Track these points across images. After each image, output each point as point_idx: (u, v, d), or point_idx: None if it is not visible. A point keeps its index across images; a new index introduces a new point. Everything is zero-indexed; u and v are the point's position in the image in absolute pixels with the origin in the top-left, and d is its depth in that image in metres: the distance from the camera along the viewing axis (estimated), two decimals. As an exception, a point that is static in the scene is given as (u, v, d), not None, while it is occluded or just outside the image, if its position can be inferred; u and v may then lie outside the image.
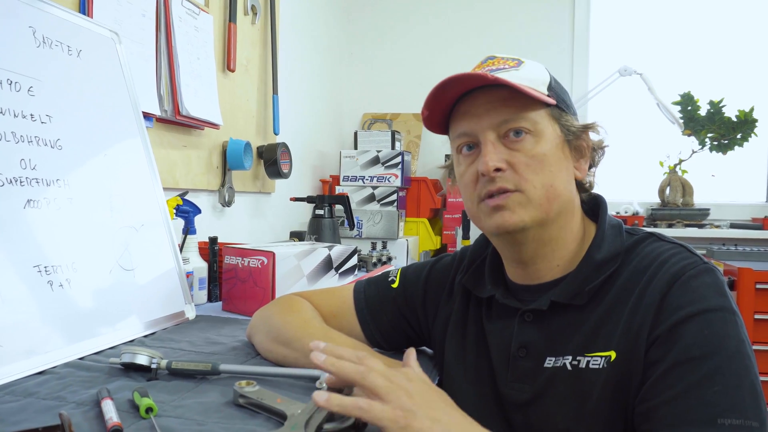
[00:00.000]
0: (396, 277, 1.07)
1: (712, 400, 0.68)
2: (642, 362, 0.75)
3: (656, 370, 0.73)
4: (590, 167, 0.91)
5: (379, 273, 1.12)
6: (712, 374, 0.69)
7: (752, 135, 2.85)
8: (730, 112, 2.85)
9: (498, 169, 0.82)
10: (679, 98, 2.93)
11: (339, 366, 0.68)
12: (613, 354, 0.77)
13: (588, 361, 0.79)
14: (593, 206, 0.92)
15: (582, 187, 0.90)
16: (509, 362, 0.88)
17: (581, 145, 0.88)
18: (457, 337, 0.97)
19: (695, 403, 0.68)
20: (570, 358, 0.81)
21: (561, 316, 0.84)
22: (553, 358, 0.83)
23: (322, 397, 0.63)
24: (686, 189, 2.92)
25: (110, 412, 0.71)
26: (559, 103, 0.86)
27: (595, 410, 0.77)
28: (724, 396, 0.68)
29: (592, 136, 0.90)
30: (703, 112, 2.90)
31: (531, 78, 0.85)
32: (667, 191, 2.95)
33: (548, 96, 0.84)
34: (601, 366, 0.78)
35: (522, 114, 0.83)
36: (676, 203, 2.92)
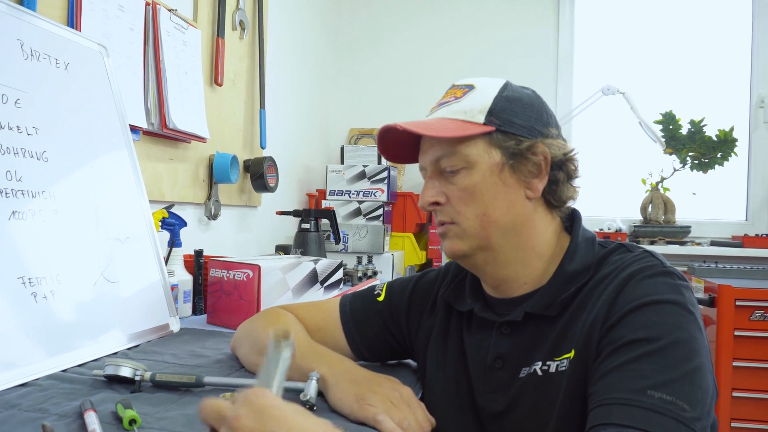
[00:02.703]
0: (382, 291, 1.08)
1: (646, 373, 0.69)
2: (595, 352, 0.76)
3: (603, 354, 0.75)
4: (555, 182, 0.88)
5: (365, 287, 1.13)
6: (652, 353, 0.70)
7: (732, 154, 2.90)
8: (711, 131, 2.91)
9: (436, 203, 0.89)
10: (660, 117, 2.98)
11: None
12: (572, 353, 0.80)
13: (556, 365, 0.82)
14: (570, 220, 0.93)
15: (550, 203, 0.90)
16: (486, 373, 0.90)
17: (535, 163, 0.86)
18: (439, 350, 0.99)
19: (629, 375, 0.69)
20: (540, 363, 0.83)
21: (535, 326, 0.86)
22: (527, 368, 0.85)
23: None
24: (668, 206, 2.96)
25: (93, 423, 0.71)
26: (502, 126, 0.86)
27: (563, 412, 0.79)
28: (658, 373, 0.68)
29: (556, 148, 0.87)
30: (684, 131, 2.95)
31: (468, 108, 0.87)
32: (650, 208, 2.99)
33: (485, 124, 0.85)
34: (566, 367, 0.80)
35: (453, 149, 0.86)
36: (658, 220, 2.96)
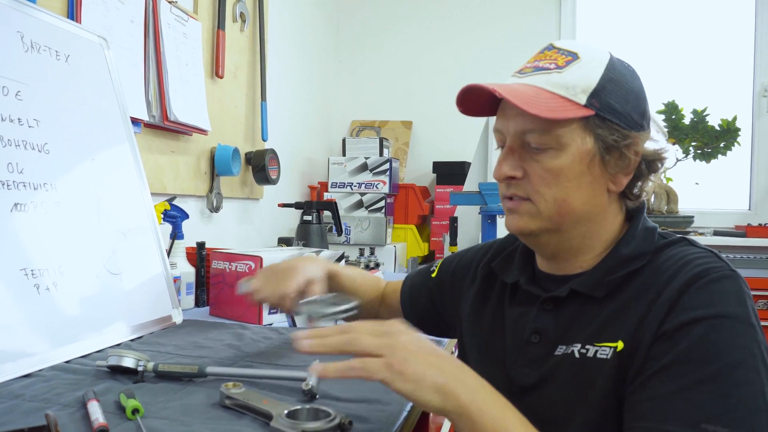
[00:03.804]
0: (436, 267, 1.14)
1: (700, 404, 0.66)
2: (645, 355, 0.73)
3: (653, 365, 0.72)
4: (639, 177, 0.84)
5: (428, 264, 1.20)
6: (707, 380, 0.67)
7: (735, 144, 2.89)
8: (714, 121, 2.89)
9: (512, 177, 0.83)
10: (663, 107, 2.97)
11: (326, 343, 0.69)
12: (620, 344, 0.76)
13: (596, 351, 0.78)
14: (634, 209, 0.89)
15: (626, 195, 0.86)
16: (522, 347, 0.88)
17: (624, 157, 0.81)
18: (476, 319, 0.99)
19: (682, 405, 0.67)
20: (579, 346, 0.80)
21: (579, 306, 0.83)
22: (564, 346, 0.82)
23: (318, 366, 0.66)
24: (671, 196, 2.95)
25: (96, 413, 0.71)
26: (601, 111, 0.79)
27: (596, 399, 0.77)
28: (713, 402, 0.66)
29: (649, 144, 0.82)
30: (687, 120, 2.94)
31: (570, 84, 0.79)
32: (652, 199, 2.98)
33: (586, 106, 0.78)
34: (608, 356, 0.77)
35: (547, 127, 0.79)
36: (661, 210, 2.95)
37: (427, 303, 1.12)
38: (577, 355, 0.80)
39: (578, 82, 0.79)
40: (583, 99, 0.78)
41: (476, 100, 0.86)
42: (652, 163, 0.84)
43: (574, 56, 0.82)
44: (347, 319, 0.97)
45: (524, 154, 0.83)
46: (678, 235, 0.85)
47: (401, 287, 1.17)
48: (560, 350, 0.83)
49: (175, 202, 1.50)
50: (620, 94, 0.80)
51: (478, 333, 0.98)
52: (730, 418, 0.65)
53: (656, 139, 0.84)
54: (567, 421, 0.79)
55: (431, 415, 1.33)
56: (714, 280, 0.74)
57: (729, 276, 0.75)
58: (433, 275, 1.12)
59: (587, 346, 0.80)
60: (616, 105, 0.80)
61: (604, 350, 0.78)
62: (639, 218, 0.87)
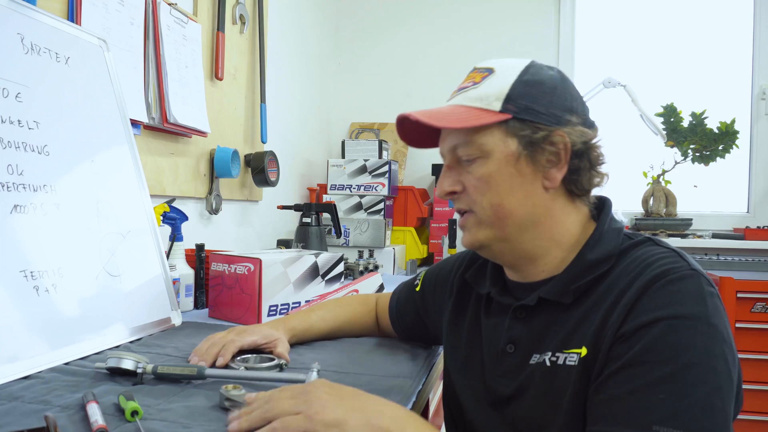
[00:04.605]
0: (419, 280, 1.17)
1: (653, 406, 0.67)
2: (605, 359, 0.74)
3: (610, 367, 0.73)
4: (576, 171, 0.85)
5: (413, 276, 1.24)
6: (661, 381, 0.67)
7: (733, 147, 2.90)
8: (712, 123, 2.90)
9: (453, 192, 0.89)
10: (662, 110, 2.97)
11: (250, 419, 0.70)
12: (584, 350, 0.78)
13: (565, 358, 0.80)
14: (599, 208, 0.90)
15: (572, 192, 0.87)
16: (498, 357, 0.89)
17: (552, 152, 0.83)
18: (454, 330, 1.01)
19: (635, 406, 0.68)
20: (550, 354, 0.82)
21: (549, 313, 0.84)
22: (538, 355, 0.84)
23: (233, 425, 0.70)
24: (669, 199, 2.96)
25: (95, 415, 0.71)
26: (519, 114, 0.82)
27: (568, 407, 0.78)
28: (667, 404, 0.66)
29: (577, 135, 0.83)
30: (685, 123, 2.94)
31: (485, 95, 0.84)
32: (651, 201, 2.99)
33: (501, 111, 0.82)
34: (575, 362, 0.78)
35: (469, 138, 0.85)
36: (660, 213, 2.95)
37: (414, 316, 1.16)
38: (548, 363, 0.82)
39: (491, 92, 0.84)
40: (497, 106, 0.83)
41: (416, 131, 0.92)
42: (586, 153, 0.85)
43: (489, 71, 0.87)
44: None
45: (460, 169, 0.88)
46: (643, 235, 0.86)
47: (389, 303, 1.21)
48: (534, 359, 0.84)
49: (174, 204, 1.50)
50: (537, 94, 0.84)
51: (457, 345, 0.99)
52: (683, 419, 0.65)
53: (586, 131, 0.85)
54: (545, 430, 0.80)
55: (430, 417, 1.34)
56: (672, 281, 0.74)
57: (688, 276, 0.75)
58: (417, 288, 1.16)
59: (557, 354, 0.81)
60: (534, 105, 0.83)
61: (572, 357, 0.79)
62: (604, 219, 0.87)
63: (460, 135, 0.86)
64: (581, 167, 0.85)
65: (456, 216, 0.93)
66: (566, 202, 0.87)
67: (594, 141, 0.86)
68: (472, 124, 0.83)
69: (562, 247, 0.87)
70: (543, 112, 0.83)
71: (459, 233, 2.54)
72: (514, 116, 0.82)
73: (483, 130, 0.84)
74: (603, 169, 0.88)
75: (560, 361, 0.80)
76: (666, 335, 0.70)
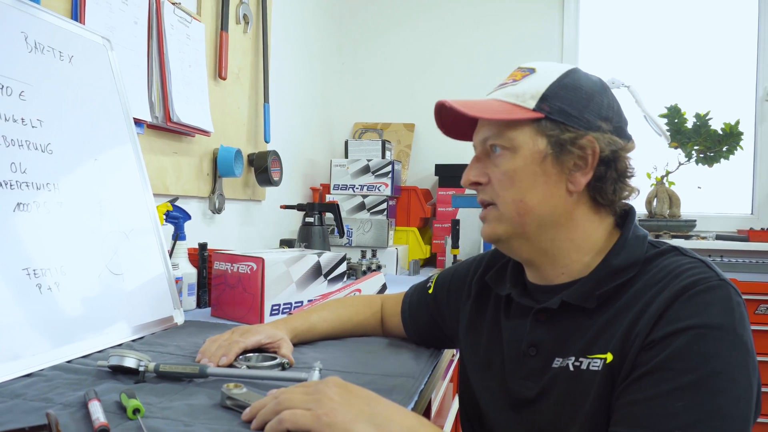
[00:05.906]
0: (432, 282, 1.17)
1: (675, 412, 0.68)
2: (631, 365, 0.75)
3: (636, 373, 0.73)
4: (601, 178, 0.85)
5: (425, 278, 1.22)
6: (684, 388, 0.69)
7: (738, 148, 2.89)
8: (716, 125, 2.89)
9: (478, 183, 0.90)
10: (666, 111, 2.96)
11: (262, 414, 0.71)
12: (609, 356, 0.78)
13: (589, 363, 0.80)
14: (624, 217, 0.90)
15: (597, 201, 0.86)
16: (519, 359, 0.89)
17: (580, 156, 0.83)
18: (473, 333, 1.01)
19: (658, 411, 0.69)
20: (573, 359, 0.82)
21: (571, 317, 0.85)
22: (560, 359, 0.84)
23: (246, 413, 0.73)
24: (673, 200, 2.95)
25: (97, 412, 0.71)
26: (552, 114, 0.83)
27: (590, 412, 0.78)
28: (688, 411, 0.67)
29: (606, 143, 0.84)
30: (689, 124, 2.93)
31: (521, 92, 0.85)
32: (654, 202, 2.98)
33: (535, 110, 0.83)
34: (599, 368, 0.79)
35: (501, 131, 0.86)
36: (663, 214, 2.95)
37: (428, 319, 1.16)
38: (571, 368, 0.82)
39: (528, 90, 0.86)
40: (532, 104, 0.84)
41: (454, 121, 0.94)
42: (613, 162, 0.85)
43: (531, 71, 0.89)
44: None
45: (488, 161, 0.89)
46: (668, 244, 0.86)
47: (401, 306, 1.20)
48: (557, 363, 0.84)
49: (177, 203, 1.51)
50: (573, 98, 0.84)
51: (477, 347, 0.99)
52: (704, 426, 0.67)
53: (616, 140, 0.85)
54: None
55: (432, 417, 1.34)
56: (701, 291, 0.75)
57: (717, 286, 0.76)
58: (430, 291, 1.16)
59: (581, 359, 0.81)
60: (568, 108, 0.84)
61: (596, 362, 0.80)
62: (629, 226, 0.88)
63: (492, 127, 0.87)
64: (607, 175, 0.85)
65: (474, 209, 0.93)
66: (590, 210, 0.87)
67: (622, 151, 0.86)
68: (504, 117, 0.84)
69: (583, 252, 0.87)
70: (575, 116, 0.84)
71: (462, 233, 2.54)
72: (547, 116, 0.84)
73: (514, 125, 0.85)
74: (633, 182, 0.89)
75: (584, 366, 0.81)
76: (693, 344, 0.71)
